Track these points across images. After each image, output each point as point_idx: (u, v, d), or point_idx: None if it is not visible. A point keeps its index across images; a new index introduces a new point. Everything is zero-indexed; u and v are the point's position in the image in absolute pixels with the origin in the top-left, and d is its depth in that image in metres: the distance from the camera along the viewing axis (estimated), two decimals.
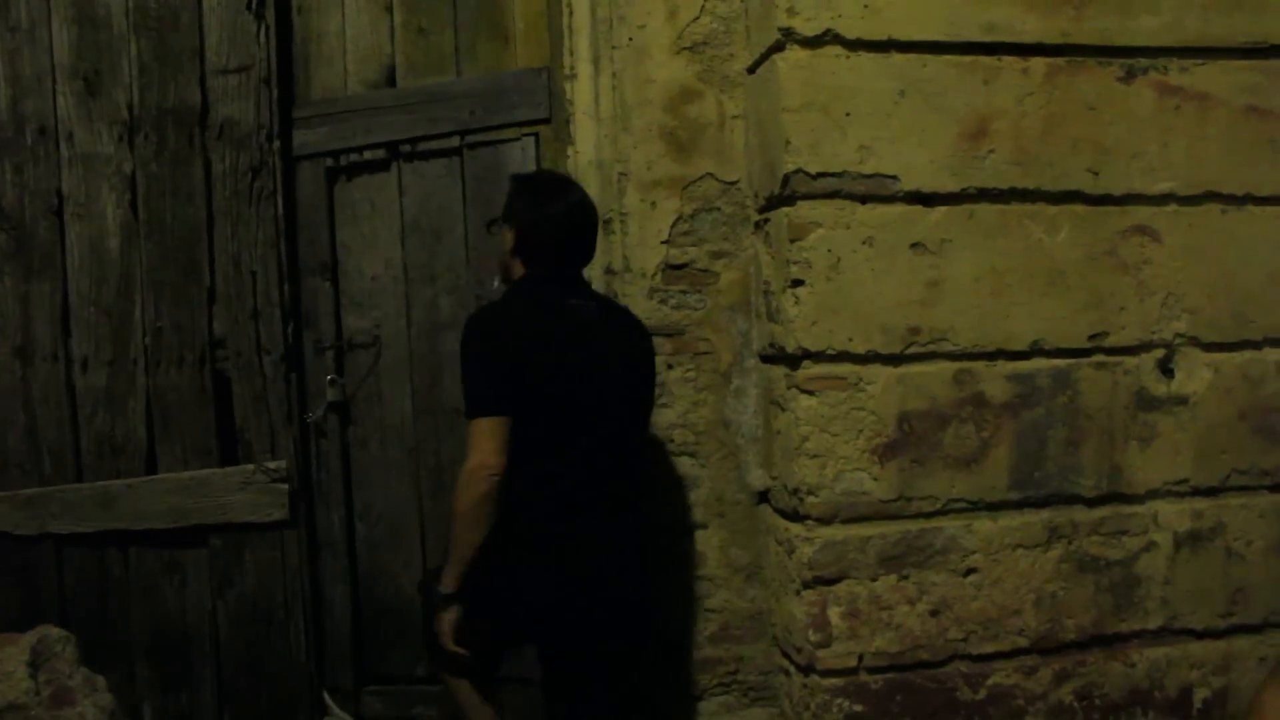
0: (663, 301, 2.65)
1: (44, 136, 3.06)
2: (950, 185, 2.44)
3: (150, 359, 3.08)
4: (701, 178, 2.66)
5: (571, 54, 2.71)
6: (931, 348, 2.45)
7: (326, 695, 3.14)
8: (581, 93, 2.69)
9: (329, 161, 3.12)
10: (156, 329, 3.08)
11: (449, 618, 2.31)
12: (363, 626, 3.18)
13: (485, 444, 2.21)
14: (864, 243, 2.41)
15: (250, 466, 3.05)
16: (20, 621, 3.00)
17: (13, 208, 3.06)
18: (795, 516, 2.47)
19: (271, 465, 3.04)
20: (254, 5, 3.06)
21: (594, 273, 2.66)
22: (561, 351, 2.28)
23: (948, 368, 2.46)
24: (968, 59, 2.46)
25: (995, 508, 2.50)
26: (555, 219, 2.36)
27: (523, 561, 2.28)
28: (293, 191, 3.14)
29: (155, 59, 3.07)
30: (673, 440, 2.65)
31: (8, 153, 3.05)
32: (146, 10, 3.06)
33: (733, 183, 2.67)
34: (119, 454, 3.10)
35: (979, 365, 2.48)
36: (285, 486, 3.05)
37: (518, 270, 2.41)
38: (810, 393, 2.40)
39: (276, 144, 3.07)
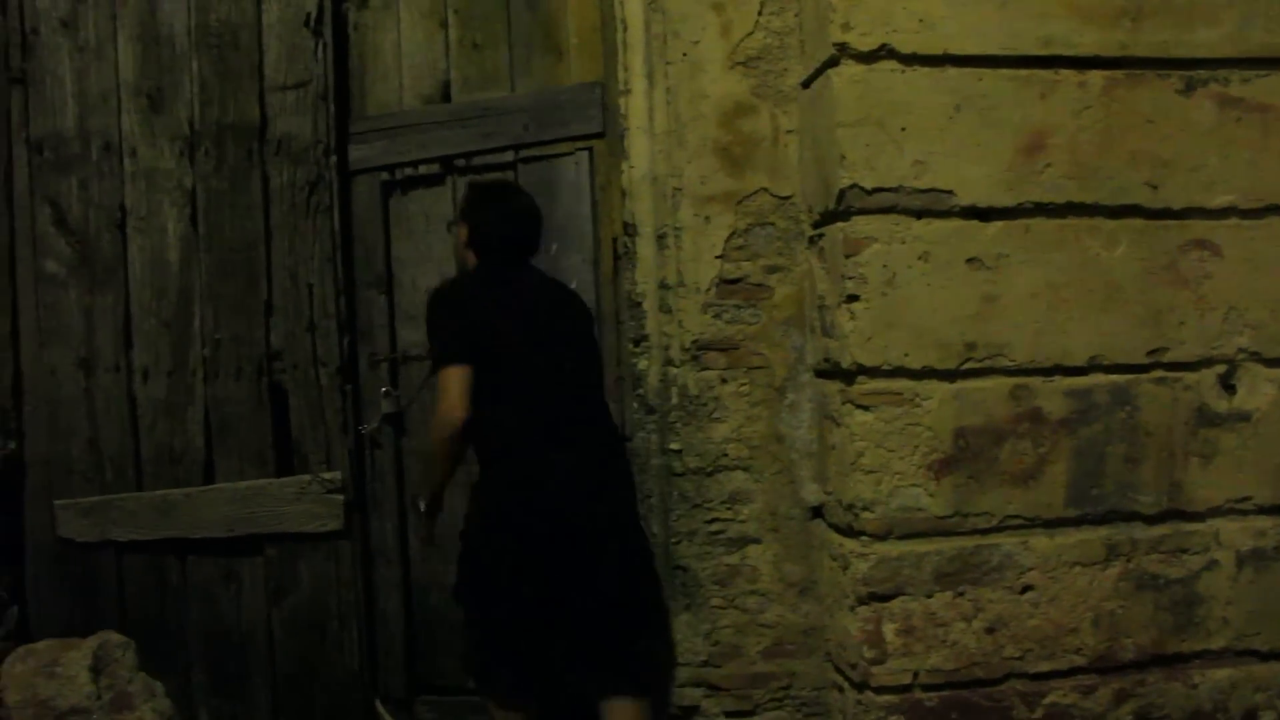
0: (717, 316, 2.64)
1: (109, 152, 3.13)
2: (1006, 200, 2.42)
3: (209, 370, 3.14)
4: (755, 192, 2.66)
5: (626, 69, 2.72)
6: (988, 363, 2.42)
7: (379, 704, 3.16)
8: (635, 108, 2.69)
9: (384, 176, 3.16)
10: (215, 340, 3.13)
11: (430, 525, 2.79)
12: (415, 636, 3.20)
13: (451, 390, 2.53)
14: (919, 258, 2.40)
15: (306, 477, 3.08)
16: (82, 626, 3.06)
17: (78, 222, 3.13)
18: (850, 532, 2.46)
19: (326, 476, 3.07)
20: (312, 22, 3.11)
21: (648, 287, 2.68)
22: (510, 311, 2.61)
23: (1004, 383, 2.44)
24: (1024, 73, 2.43)
25: (1052, 525, 2.46)
26: (502, 217, 2.74)
27: (504, 495, 2.58)
28: (348, 205, 3.18)
29: (216, 76, 3.12)
30: (726, 454, 2.64)
31: (74, 168, 3.12)
32: (208, 28, 3.13)
33: (787, 197, 2.67)
34: (178, 463, 3.15)
35: (1036, 381, 2.45)
36: (340, 497, 3.08)
37: (470, 262, 2.75)
38: (866, 408, 2.39)
39: (333, 159, 3.11)
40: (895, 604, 2.41)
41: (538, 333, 2.61)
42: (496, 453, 2.60)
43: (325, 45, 3.11)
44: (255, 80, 3.12)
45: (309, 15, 3.11)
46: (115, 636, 2.96)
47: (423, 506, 2.77)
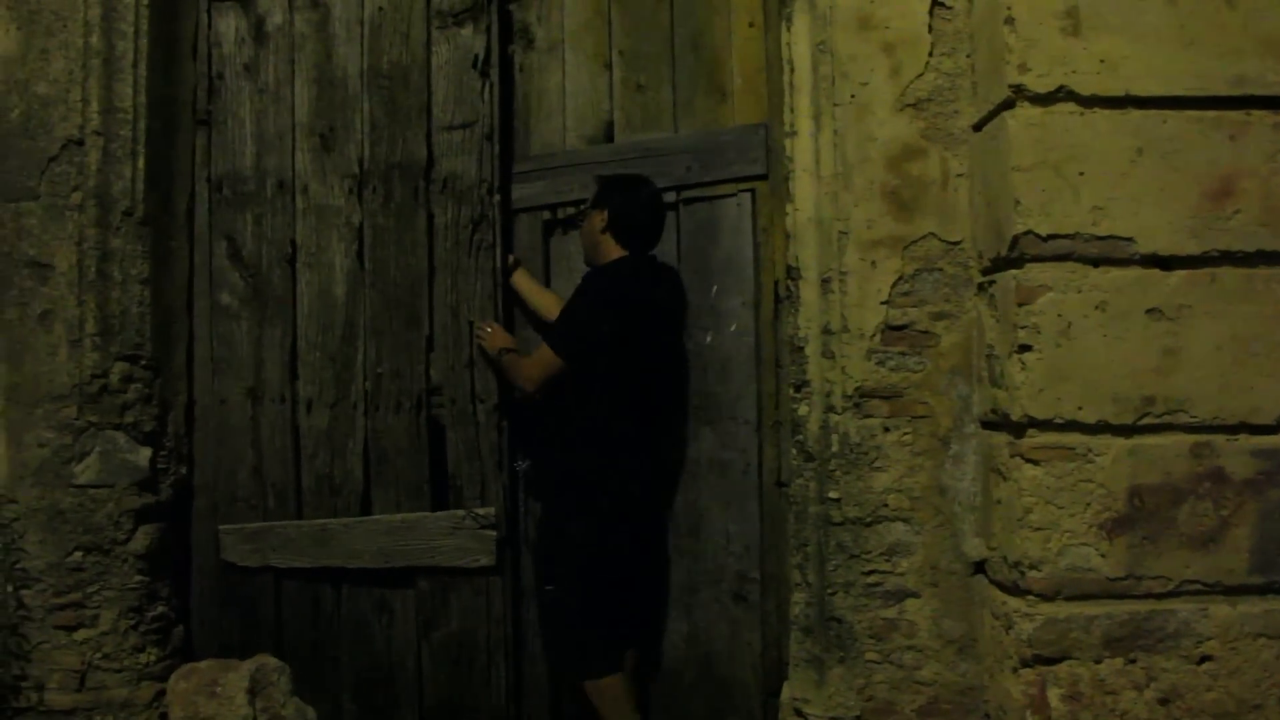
0: (880, 363, 2.63)
1: (282, 190, 3.29)
2: (1190, 248, 2.36)
3: (370, 403, 3.26)
4: (923, 237, 2.65)
5: (792, 111, 2.73)
6: (1167, 419, 2.36)
7: None
8: (801, 150, 2.70)
9: (546, 215, 3.27)
10: (377, 374, 3.25)
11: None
12: (562, 676, 3.24)
13: (538, 372, 3.03)
14: (1096, 307, 2.35)
15: (460, 512, 3.17)
16: (240, 648, 3.20)
17: (252, 256, 3.29)
18: (1015, 590, 2.41)
19: (481, 512, 3.15)
20: (479, 64, 3.22)
21: (811, 332, 2.69)
22: (637, 324, 3.03)
23: (1184, 440, 2.37)
24: (1212, 114, 2.37)
25: (1234, 592, 2.37)
26: (641, 202, 3.05)
27: (596, 485, 3.06)
28: (510, 243, 3.29)
29: (386, 116, 3.27)
30: (886, 505, 2.62)
31: (250, 205, 3.29)
32: (379, 70, 3.27)
33: (956, 243, 2.65)
34: (337, 494, 3.27)
35: (1219, 439, 2.37)
36: (493, 533, 3.15)
37: (607, 247, 3.07)
38: (1035, 462, 2.35)
39: (497, 197, 3.22)
40: (1061, 668, 2.35)
41: (648, 342, 3.07)
42: (586, 440, 3.06)
43: (491, 86, 3.23)
44: (423, 120, 3.26)
45: (476, 57, 3.23)
46: (271, 661, 3.09)
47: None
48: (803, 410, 2.71)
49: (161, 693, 3.07)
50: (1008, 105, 2.40)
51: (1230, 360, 2.36)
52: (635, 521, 3.14)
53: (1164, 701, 2.35)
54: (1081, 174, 2.36)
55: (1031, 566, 2.35)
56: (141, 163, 3.06)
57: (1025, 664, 2.36)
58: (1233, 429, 2.37)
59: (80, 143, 3.02)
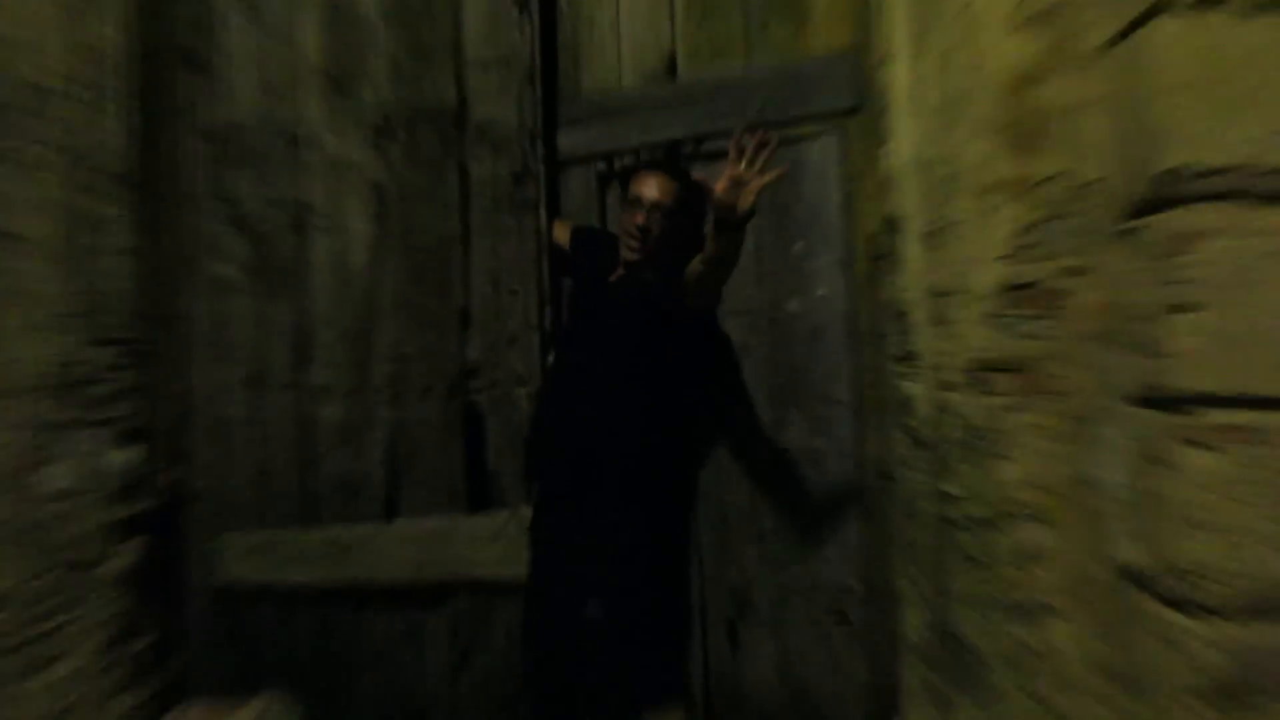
0: (1002, 329, 2.43)
1: (289, 143, 3.14)
2: None
3: (394, 389, 3.10)
4: (1049, 179, 2.43)
5: (887, 34, 2.57)
6: None
7: None
8: (899, 80, 2.52)
9: (600, 165, 3.12)
10: (402, 356, 3.09)
11: None
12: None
13: None
14: (1272, 255, 2.13)
15: (503, 514, 3.00)
16: (244, 681, 3.13)
17: (254, 221, 3.15)
18: (1186, 607, 2.19)
19: (527, 513, 2.97)
20: None
21: (916, 295, 2.50)
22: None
23: None
24: None
25: None
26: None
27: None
28: (557, 200, 3.13)
29: (409, 54, 3.10)
30: (1016, 500, 2.42)
31: (252, 161, 3.16)
32: (400, 0, 3.10)
33: (1089, 184, 2.43)
34: (355, 497, 3.13)
35: None
36: None
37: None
38: (1207, 447, 2.13)
39: (540, 147, 3.04)
40: (1253, 705, 2.13)
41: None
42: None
43: (531, 17, 3.06)
44: (451, 58, 3.08)
45: None
46: (280, 700, 2.95)
47: None
48: (910, 388, 2.53)
49: None
50: (1152, 14, 2.17)
51: None
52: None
53: None
54: (1245, 95, 2.13)
55: (1207, 577, 2.13)
56: (125, 113, 2.91)
57: (1204, 699, 2.13)
58: None
59: (52, 91, 2.86)
